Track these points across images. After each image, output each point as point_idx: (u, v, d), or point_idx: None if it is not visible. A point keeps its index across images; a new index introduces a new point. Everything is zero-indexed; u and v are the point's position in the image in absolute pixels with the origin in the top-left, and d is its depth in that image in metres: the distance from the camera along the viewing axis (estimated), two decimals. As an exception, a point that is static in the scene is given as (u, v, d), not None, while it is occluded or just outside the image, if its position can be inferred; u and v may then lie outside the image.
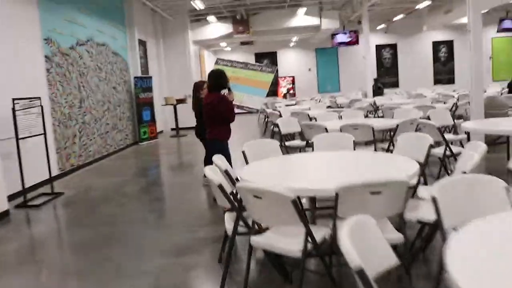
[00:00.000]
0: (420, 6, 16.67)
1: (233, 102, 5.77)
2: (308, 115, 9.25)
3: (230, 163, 6.29)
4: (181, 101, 14.58)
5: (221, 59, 6.74)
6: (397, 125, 6.37)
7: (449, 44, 23.81)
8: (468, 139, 6.21)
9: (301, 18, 16.68)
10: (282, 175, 3.65)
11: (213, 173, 3.45)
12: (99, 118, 10.30)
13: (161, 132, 15.17)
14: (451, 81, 23.87)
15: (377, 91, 16.41)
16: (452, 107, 9.86)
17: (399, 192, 2.85)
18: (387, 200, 2.84)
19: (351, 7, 17.72)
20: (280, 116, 9.90)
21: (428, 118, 7.11)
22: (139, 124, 12.79)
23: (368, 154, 4.41)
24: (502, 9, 20.09)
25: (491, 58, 23.78)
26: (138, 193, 6.81)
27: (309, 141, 7.25)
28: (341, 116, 8.32)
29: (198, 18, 17.06)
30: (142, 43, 14.16)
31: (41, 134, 6.72)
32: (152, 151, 11.78)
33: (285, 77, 23.26)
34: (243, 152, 4.41)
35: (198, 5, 13.53)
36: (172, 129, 15.49)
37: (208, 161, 5.67)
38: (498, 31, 20.78)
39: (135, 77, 12.74)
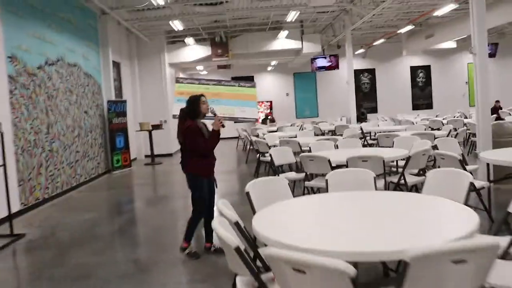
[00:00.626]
0: (402, 30, 16.43)
1: (224, 115, 5.10)
2: (299, 143, 8.56)
3: (212, 203, 5.32)
4: (156, 126, 13.71)
5: (182, 77, 5.79)
6: (409, 157, 5.73)
7: (426, 69, 23.80)
8: (488, 170, 5.64)
9: (282, 41, 16.18)
10: (317, 230, 2.84)
11: (220, 226, 2.65)
12: (68, 145, 9.33)
13: (135, 159, 14.20)
14: (429, 106, 23.78)
15: (361, 117, 15.92)
16: (449, 134, 9.33)
17: (489, 259, 2.12)
18: (473, 270, 2.11)
19: (332, 31, 17.38)
20: (268, 145, 9.16)
21: (435, 147, 6.50)
22: (112, 151, 11.83)
23: (406, 197, 3.68)
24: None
25: (467, 84, 23.88)
26: (114, 235, 5.89)
27: (308, 174, 6.57)
28: (337, 146, 7.65)
29: (175, 40, 16.35)
30: (116, 65, 13.31)
31: (0, 165, 5.76)
32: (126, 182, 10.82)
33: (262, 102, 22.66)
34: (248, 195, 3.66)
35: (177, 26, 12.83)
36: (146, 156, 14.56)
37: (193, 201, 4.91)
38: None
39: (108, 101, 11.84)
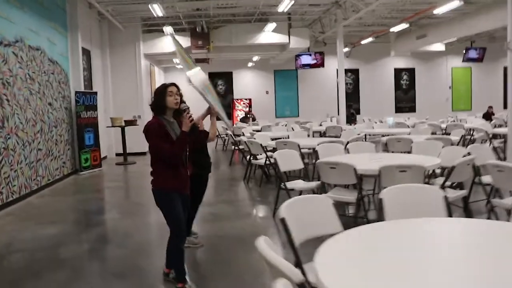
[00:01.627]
0: (395, 29, 15.58)
1: (214, 112, 4.00)
2: (299, 145, 7.45)
3: (186, 227, 4.14)
4: (130, 122, 12.35)
5: (184, 104, 4.22)
6: (453, 167, 4.69)
7: (411, 72, 23.15)
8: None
9: (269, 35, 15.05)
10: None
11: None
12: (28, 142, 7.93)
13: (105, 158, 12.78)
14: (412, 109, 23.15)
15: (350, 118, 14.97)
16: (460, 140, 8.41)
17: None
18: None
19: (321, 26, 16.36)
20: (264, 147, 8.00)
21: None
22: (80, 149, 10.43)
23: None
24: (467, 39, 19.63)
25: (451, 88, 23.38)
26: (82, 259, 4.62)
27: (325, 183, 5.46)
28: (347, 149, 6.58)
29: (152, 29, 14.98)
30: (86, 53, 11.87)
31: None
32: (96, 184, 9.47)
33: (241, 100, 21.49)
34: (283, 222, 2.55)
35: (156, 11, 11.50)
36: (118, 155, 13.18)
37: (168, 223, 3.66)
38: (463, 61, 20.28)
39: (76, 92, 10.43)
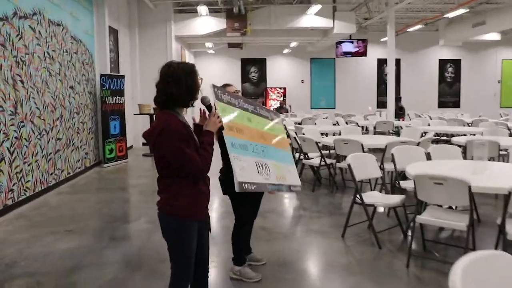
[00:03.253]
0: (451, 15, 14.02)
1: (277, 182, 2.98)
2: (362, 145, 6.21)
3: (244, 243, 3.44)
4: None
5: (219, 88, 2.91)
6: None
7: (456, 64, 21.48)
8: None
9: (311, 18, 13.71)
10: None
11: None
12: (45, 131, 6.88)
13: (131, 147, 11.76)
14: (456, 104, 21.53)
15: (399, 112, 13.57)
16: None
17: None
18: None
19: (367, 10, 14.93)
20: (318, 144, 6.76)
21: None
22: (104, 139, 9.37)
23: None
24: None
25: (500, 82, 21.64)
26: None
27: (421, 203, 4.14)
28: (429, 155, 5.29)
29: (184, 8, 13.81)
30: (113, 32, 10.79)
31: None
32: (121, 180, 8.40)
33: (275, 88, 20.23)
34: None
35: (192, -13, 10.32)
36: (144, 144, 12.11)
37: (174, 263, 2.52)
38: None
39: (102, 75, 9.34)
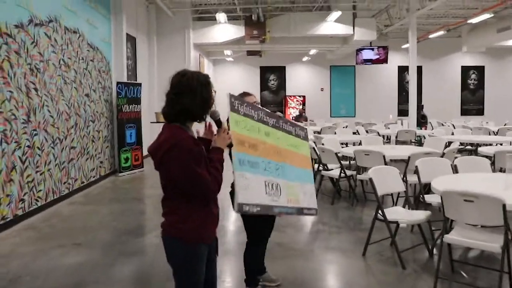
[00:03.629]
0: (474, 20, 13.61)
1: (288, 204, 2.73)
2: (384, 157, 5.93)
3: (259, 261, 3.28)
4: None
5: (236, 98, 2.67)
6: None
7: (480, 70, 20.94)
8: None
9: (331, 25, 13.47)
10: None
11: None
12: (59, 139, 6.77)
13: (147, 156, 11.61)
14: (480, 112, 20.96)
15: (421, 121, 13.19)
16: None
17: None
18: None
19: (388, 17, 14.62)
20: (338, 156, 6.49)
21: None
22: (119, 147, 9.26)
23: None
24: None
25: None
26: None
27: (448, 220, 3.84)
28: (456, 167, 4.98)
29: (203, 16, 13.71)
30: (131, 39, 10.72)
31: None
32: (137, 190, 8.26)
33: (294, 97, 19.99)
34: None
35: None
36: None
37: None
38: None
39: (118, 83, 9.25)
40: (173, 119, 2.17)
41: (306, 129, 3.34)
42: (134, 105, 9.65)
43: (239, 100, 2.68)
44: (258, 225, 3.30)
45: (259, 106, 3.37)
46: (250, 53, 17.19)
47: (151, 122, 11.36)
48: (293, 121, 3.29)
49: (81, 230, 5.40)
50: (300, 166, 3.15)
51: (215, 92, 2.28)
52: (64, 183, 6.95)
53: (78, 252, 4.59)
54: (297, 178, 3.04)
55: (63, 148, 6.90)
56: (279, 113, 3.17)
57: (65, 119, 6.98)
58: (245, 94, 3.39)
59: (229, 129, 2.28)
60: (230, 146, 2.29)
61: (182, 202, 2.16)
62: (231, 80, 19.57)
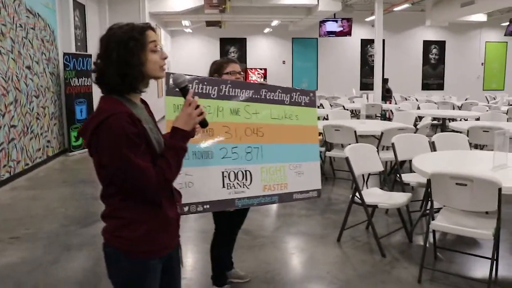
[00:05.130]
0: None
1: (263, 193, 2.47)
2: (355, 132, 5.57)
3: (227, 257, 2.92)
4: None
5: (177, 74, 1.88)
6: None
7: (441, 45, 20.96)
8: None
9: (294, -6, 12.91)
10: None
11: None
12: (-4, 117, 6.02)
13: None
14: (440, 87, 21.08)
15: (386, 95, 12.95)
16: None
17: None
18: None
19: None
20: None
21: None
22: (69, 125, 8.50)
23: None
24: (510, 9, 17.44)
25: (483, 65, 21.22)
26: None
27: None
28: (433, 144, 4.65)
29: (158, -17, 12.83)
30: (79, 7, 9.82)
31: None
32: (88, 171, 7.51)
33: (255, 69, 19.40)
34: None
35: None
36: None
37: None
38: (506, 34, 18.22)
39: (65, 54, 8.42)
40: (108, 90, 1.62)
41: (313, 92, 2.82)
42: (84, 79, 8.85)
43: (183, 79, 2.16)
44: (229, 213, 2.77)
45: (239, 78, 2.84)
46: (210, 23, 16.37)
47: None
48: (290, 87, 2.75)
49: (21, 220, 4.76)
50: (296, 141, 2.69)
51: (161, 48, 1.67)
52: (4, 166, 6.23)
53: (16, 248, 3.99)
54: (287, 157, 2.60)
55: (0, 127, 6.15)
56: (261, 81, 2.67)
57: (1, 95, 6.21)
58: (228, 61, 2.84)
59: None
60: (204, 126, 1.73)
61: (124, 201, 1.61)
62: (190, 52, 18.76)
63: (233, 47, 19.55)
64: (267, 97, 2.56)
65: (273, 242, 4.10)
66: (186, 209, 2.20)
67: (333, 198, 5.61)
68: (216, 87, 2.36)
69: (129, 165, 1.49)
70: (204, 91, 2.31)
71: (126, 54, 1.55)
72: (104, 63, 1.58)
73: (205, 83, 2.32)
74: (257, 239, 4.16)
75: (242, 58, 19.55)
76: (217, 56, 19.09)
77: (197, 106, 1.63)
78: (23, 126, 6.86)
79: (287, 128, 2.63)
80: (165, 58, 1.65)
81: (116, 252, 1.64)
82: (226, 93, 2.41)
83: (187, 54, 18.87)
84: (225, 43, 19.47)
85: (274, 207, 5.19)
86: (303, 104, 2.70)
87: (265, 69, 19.45)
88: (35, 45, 7.42)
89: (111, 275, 1.68)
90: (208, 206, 2.30)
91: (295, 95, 2.67)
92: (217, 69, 2.83)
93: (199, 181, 2.25)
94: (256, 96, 2.51)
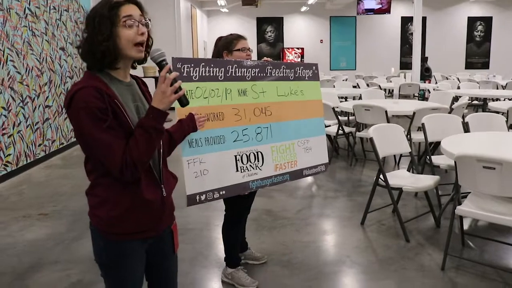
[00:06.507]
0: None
1: (276, 172, 2.46)
2: (386, 112, 5.37)
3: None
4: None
5: (184, 59, 2.18)
6: None
7: (487, 22, 19.95)
8: None
9: (330, -30, 12.53)
10: None
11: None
12: (30, 98, 6.17)
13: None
14: (485, 65, 20.13)
15: (425, 74, 12.48)
16: None
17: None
18: None
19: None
20: (337, 112, 5.92)
21: None
22: (102, 105, 8.64)
23: None
24: None
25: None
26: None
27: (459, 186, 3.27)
28: (467, 125, 4.42)
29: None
30: (114, -12, 9.88)
31: None
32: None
33: (292, 49, 19.14)
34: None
35: None
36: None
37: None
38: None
39: (99, 35, 8.51)
40: (87, 65, 1.57)
41: (315, 65, 2.75)
42: (117, 60, 8.94)
43: (189, 63, 2.09)
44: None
45: (249, 55, 2.77)
46: (246, 2, 16.20)
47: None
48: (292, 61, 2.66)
49: (51, 198, 4.90)
50: (302, 117, 2.64)
51: (148, 20, 1.56)
52: (40, 145, 6.42)
53: (42, 224, 4.09)
54: (295, 134, 2.57)
55: (35, 108, 6.31)
56: (265, 58, 2.60)
57: (35, 76, 6.36)
58: (238, 38, 2.77)
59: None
60: (183, 104, 1.66)
61: (99, 178, 1.56)
62: (226, 32, 18.39)
63: (270, 27, 19.31)
64: (273, 74, 2.48)
65: (294, 223, 4.03)
66: (203, 197, 2.16)
67: (363, 179, 5.47)
68: (222, 69, 2.29)
69: (91, 139, 1.45)
70: (211, 74, 2.24)
71: (93, 31, 1.49)
72: (81, 40, 1.54)
73: (212, 65, 2.25)
74: (278, 220, 4.10)
75: (279, 37, 19.32)
76: (254, 36, 18.95)
77: (174, 83, 1.54)
78: (58, 106, 7.02)
79: (293, 104, 2.56)
80: (142, 33, 1.56)
81: (95, 231, 1.62)
82: (233, 74, 2.33)
83: (224, 34, 18.64)
84: (262, 22, 19.25)
85: (300, 187, 5.11)
86: (306, 78, 2.65)
87: (302, 49, 19.17)
88: (69, 27, 7.54)
89: (94, 254, 1.66)
90: (224, 192, 2.25)
91: (299, 70, 2.61)
92: (226, 45, 2.75)
93: (214, 167, 2.20)
94: (262, 74, 2.43)
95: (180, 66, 2.04)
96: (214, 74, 2.24)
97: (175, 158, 2.00)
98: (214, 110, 2.18)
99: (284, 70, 2.53)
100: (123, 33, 1.51)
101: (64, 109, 1.53)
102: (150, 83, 10.07)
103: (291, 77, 2.57)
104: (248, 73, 2.37)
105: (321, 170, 2.72)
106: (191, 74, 2.09)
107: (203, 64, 2.20)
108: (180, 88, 1.55)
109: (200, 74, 2.14)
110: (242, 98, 2.35)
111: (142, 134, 1.47)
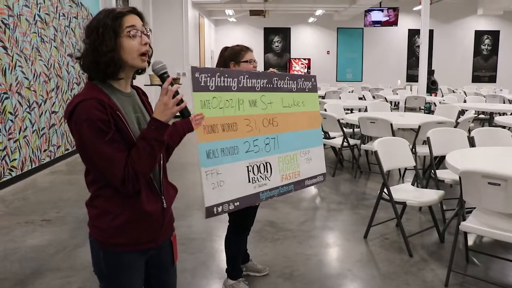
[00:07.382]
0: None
1: (282, 183, 2.44)
2: (391, 125, 5.35)
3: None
4: (173, 80, 10.44)
5: (202, 68, 2.09)
6: None
7: (495, 35, 19.94)
8: None
9: (338, -18, 12.60)
10: None
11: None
12: (37, 103, 6.21)
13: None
14: (492, 79, 20.10)
15: (431, 86, 12.47)
16: None
17: None
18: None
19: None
20: (342, 124, 5.91)
21: None
22: (108, 112, 8.68)
23: None
24: None
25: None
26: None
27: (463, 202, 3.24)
28: (473, 139, 4.40)
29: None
30: (123, -4, 9.99)
31: None
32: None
33: (299, 59, 19.19)
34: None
35: None
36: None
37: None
38: None
39: (107, 43, 8.56)
40: (91, 75, 1.58)
41: (313, 77, 2.77)
42: (125, 67, 8.99)
43: (207, 72, 2.10)
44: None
45: (256, 67, 2.80)
46: (253, 13, 16.32)
47: (145, 85, 10.75)
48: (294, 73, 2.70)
49: (55, 204, 4.90)
50: (303, 128, 2.66)
51: (149, 31, 1.57)
52: (45, 150, 6.44)
53: (45, 230, 4.10)
54: (298, 145, 2.58)
55: (41, 113, 6.35)
56: (271, 69, 2.62)
57: (43, 81, 6.40)
58: (246, 49, 2.79)
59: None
60: (185, 116, 1.67)
61: (100, 190, 1.57)
62: (234, 42, 18.42)
63: (277, 37, 19.39)
64: (279, 85, 2.49)
65: (297, 236, 4.01)
66: (220, 209, 2.13)
67: (367, 192, 5.44)
68: (236, 79, 2.29)
69: (93, 152, 1.45)
70: (225, 84, 2.23)
71: (96, 41, 1.50)
72: (83, 50, 1.55)
73: (226, 75, 2.24)
74: (281, 231, 4.08)
75: (286, 48, 19.39)
76: (261, 46, 19.02)
77: (176, 95, 1.54)
78: (64, 112, 7.04)
79: (296, 115, 2.58)
80: (146, 43, 1.57)
81: (94, 242, 1.62)
82: (245, 85, 2.33)
83: (231, 43, 18.77)
84: (269, 32, 19.35)
85: (304, 199, 5.10)
86: (307, 90, 2.67)
87: (309, 60, 19.22)
88: (77, 34, 7.60)
89: (93, 265, 1.66)
90: (238, 204, 2.22)
91: (300, 81, 2.64)
92: (233, 56, 2.76)
93: (228, 178, 2.18)
94: (269, 86, 2.44)
95: (198, 75, 2.04)
96: (228, 84, 2.24)
97: (178, 167, 2.00)
98: (228, 120, 2.17)
99: (288, 81, 2.55)
100: (127, 44, 1.52)
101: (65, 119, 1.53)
102: (155, 91, 10.09)
103: (294, 89, 2.58)
104: (258, 83, 2.38)
105: (320, 180, 2.74)
106: (208, 84, 2.08)
107: (219, 74, 2.19)
108: (182, 101, 1.55)
109: (216, 84, 2.13)
110: (253, 109, 2.34)
111: (144, 146, 1.47)
